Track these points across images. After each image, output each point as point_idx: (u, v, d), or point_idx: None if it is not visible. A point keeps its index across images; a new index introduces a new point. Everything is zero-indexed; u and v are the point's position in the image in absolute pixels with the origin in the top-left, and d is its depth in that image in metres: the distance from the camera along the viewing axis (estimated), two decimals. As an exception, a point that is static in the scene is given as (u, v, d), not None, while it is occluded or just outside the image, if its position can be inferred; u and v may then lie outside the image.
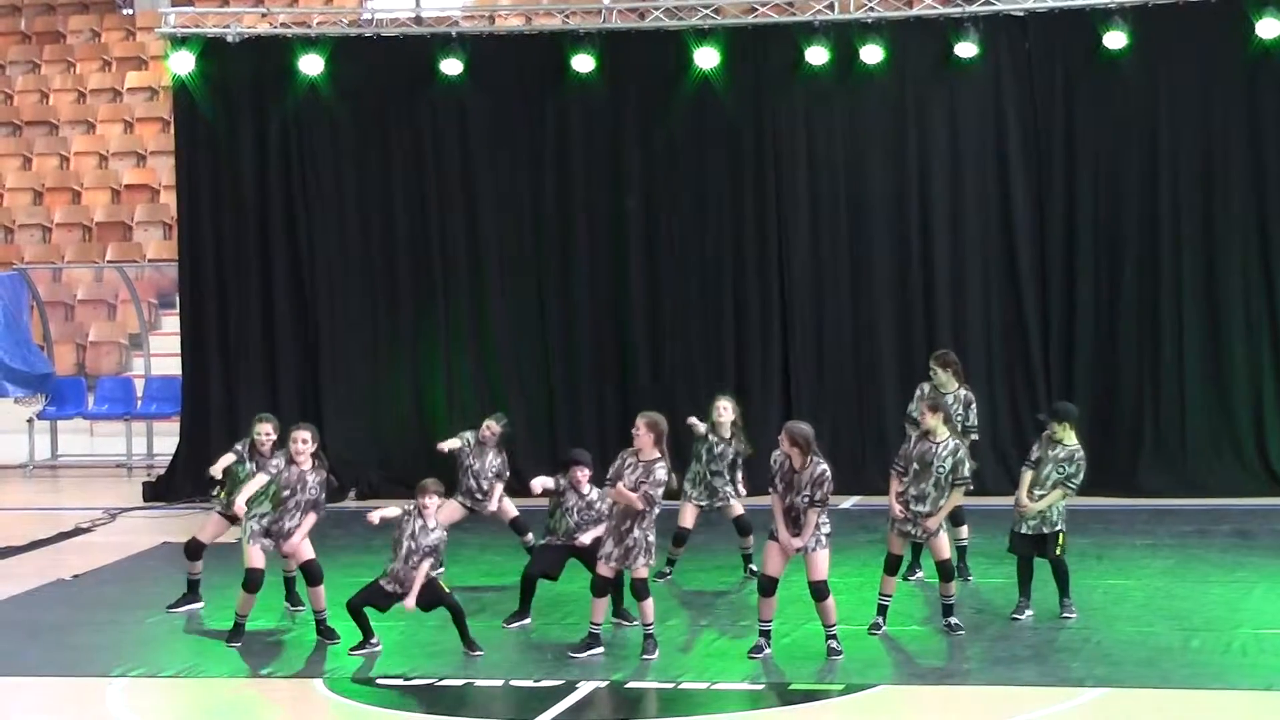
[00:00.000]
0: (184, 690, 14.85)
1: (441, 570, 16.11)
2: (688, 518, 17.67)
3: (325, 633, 15.91)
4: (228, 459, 16.58)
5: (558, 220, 23.76)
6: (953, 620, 15.61)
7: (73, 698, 14.70)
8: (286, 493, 15.80)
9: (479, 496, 17.76)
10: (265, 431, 16.48)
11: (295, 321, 24.09)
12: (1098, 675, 14.27)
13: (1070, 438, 15.89)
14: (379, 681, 14.76)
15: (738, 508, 17.74)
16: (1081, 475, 15.86)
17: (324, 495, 16.06)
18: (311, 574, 15.96)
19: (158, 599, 17.56)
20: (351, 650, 15.46)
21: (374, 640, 15.47)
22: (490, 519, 18.02)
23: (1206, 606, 16.38)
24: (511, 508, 17.92)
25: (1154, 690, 13.97)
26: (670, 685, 14.37)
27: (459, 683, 14.61)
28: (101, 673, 15.10)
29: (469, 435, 17.92)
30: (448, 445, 17.87)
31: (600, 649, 15.17)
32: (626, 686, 14.34)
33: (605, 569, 15.20)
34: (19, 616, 17.43)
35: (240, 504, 15.79)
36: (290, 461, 15.86)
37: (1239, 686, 13.94)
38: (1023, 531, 15.94)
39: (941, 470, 15.39)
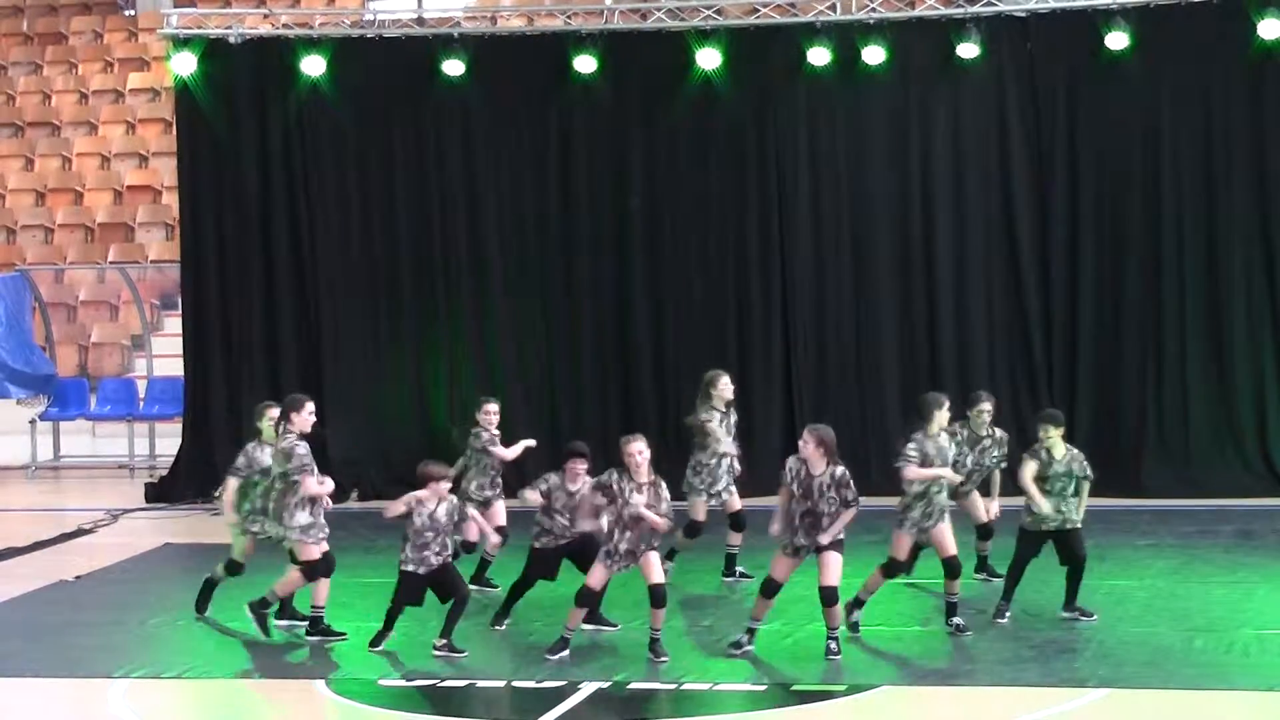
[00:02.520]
0: (186, 691, 14.85)
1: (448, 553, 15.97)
2: (699, 510, 17.65)
3: (323, 632, 15.87)
4: (231, 485, 16.25)
5: (560, 220, 23.78)
6: (957, 620, 15.64)
7: (75, 698, 14.71)
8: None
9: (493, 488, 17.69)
10: (272, 417, 16.26)
11: (297, 322, 24.09)
12: (1100, 676, 14.27)
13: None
14: (380, 682, 14.77)
15: (736, 502, 17.77)
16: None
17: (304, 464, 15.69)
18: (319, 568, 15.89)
19: (160, 600, 17.58)
20: (371, 647, 15.44)
21: (388, 634, 15.46)
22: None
23: (1209, 607, 16.37)
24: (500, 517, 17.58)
25: (1156, 691, 13.97)
26: (673, 686, 14.37)
27: (461, 683, 14.61)
28: (104, 674, 15.10)
29: (472, 439, 17.74)
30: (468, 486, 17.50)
31: (566, 652, 15.11)
32: (629, 687, 14.33)
33: (604, 571, 15.13)
34: (21, 617, 17.44)
35: (229, 515, 15.83)
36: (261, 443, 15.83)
37: (1241, 687, 13.93)
38: (1047, 529, 15.76)
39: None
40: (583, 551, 15.75)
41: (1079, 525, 15.74)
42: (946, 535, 15.59)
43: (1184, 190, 22.38)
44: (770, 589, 14.96)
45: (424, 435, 23.29)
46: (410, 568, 15.25)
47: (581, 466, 15.99)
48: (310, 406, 15.85)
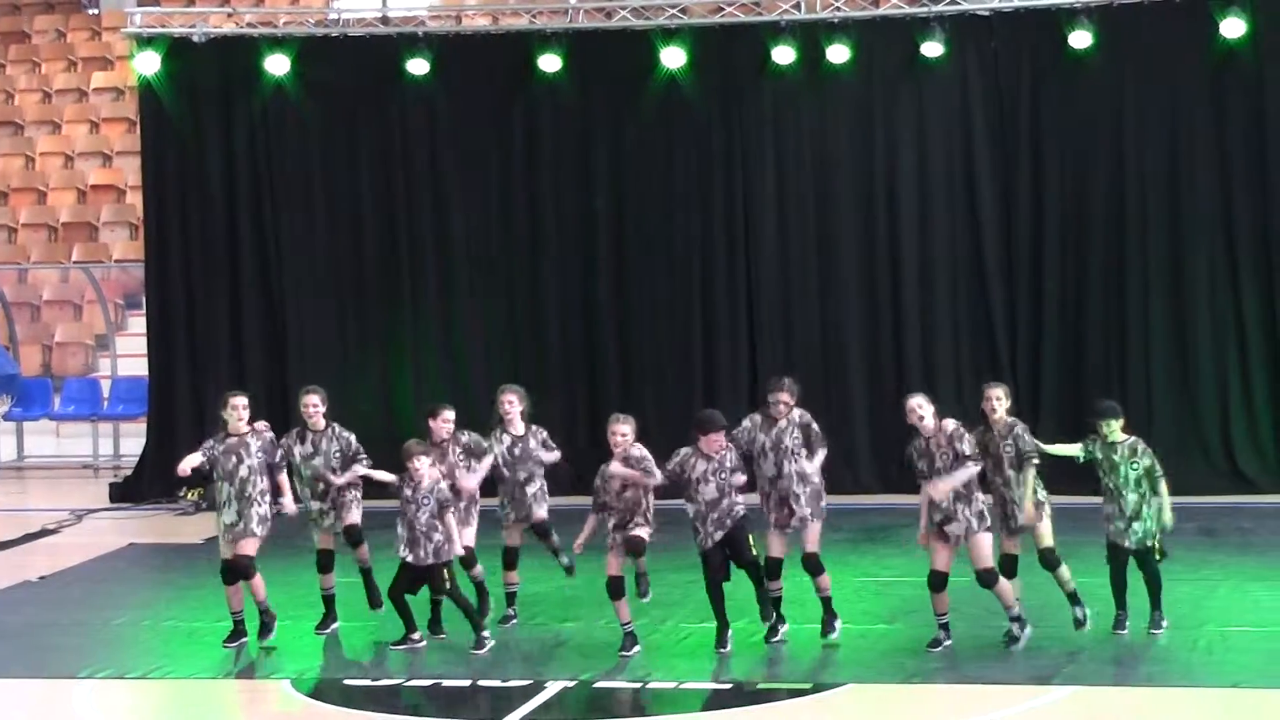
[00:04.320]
0: (151, 691, 14.82)
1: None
2: (514, 536, 16.34)
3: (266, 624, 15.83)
4: (195, 458, 15.90)
5: (526, 220, 23.77)
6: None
7: (40, 698, 14.66)
8: (234, 462, 15.53)
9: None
10: (243, 404, 15.83)
11: (262, 322, 24.05)
12: (1065, 673, 14.31)
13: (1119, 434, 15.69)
14: (345, 682, 14.76)
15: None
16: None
17: (274, 456, 15.74)
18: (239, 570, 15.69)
19: (125, 600, 17.54)
20: (393, 645, 15.44)
21: (416, 635, 15.41)
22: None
23: (1173, 604, 16.35)
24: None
25: (1121, 688, 14.03)
26: (638, 684, 14.38)
27: (426, 683, 14.59)
28: (68, 674, 15.07)
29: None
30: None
31: (638, 647, 15.06)
32: (595, 686, 14.33)
33: (616, 563, 15.03)
34: (-15, 618, 17.40)
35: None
36: (225, 434, 15.63)
37: (1205, 684, 14.00)
38: (1127, 545, 15.53)
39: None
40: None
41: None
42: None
43: (1147, 189, 22.45)
44: (939, 582, 15.01)
45: (390, 435, 23.17)
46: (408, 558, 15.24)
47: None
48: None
